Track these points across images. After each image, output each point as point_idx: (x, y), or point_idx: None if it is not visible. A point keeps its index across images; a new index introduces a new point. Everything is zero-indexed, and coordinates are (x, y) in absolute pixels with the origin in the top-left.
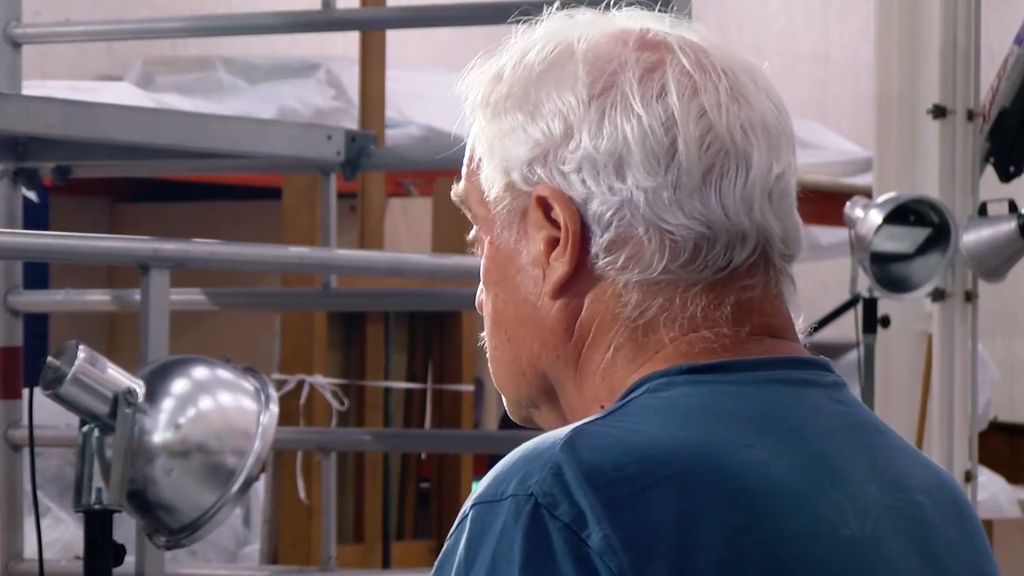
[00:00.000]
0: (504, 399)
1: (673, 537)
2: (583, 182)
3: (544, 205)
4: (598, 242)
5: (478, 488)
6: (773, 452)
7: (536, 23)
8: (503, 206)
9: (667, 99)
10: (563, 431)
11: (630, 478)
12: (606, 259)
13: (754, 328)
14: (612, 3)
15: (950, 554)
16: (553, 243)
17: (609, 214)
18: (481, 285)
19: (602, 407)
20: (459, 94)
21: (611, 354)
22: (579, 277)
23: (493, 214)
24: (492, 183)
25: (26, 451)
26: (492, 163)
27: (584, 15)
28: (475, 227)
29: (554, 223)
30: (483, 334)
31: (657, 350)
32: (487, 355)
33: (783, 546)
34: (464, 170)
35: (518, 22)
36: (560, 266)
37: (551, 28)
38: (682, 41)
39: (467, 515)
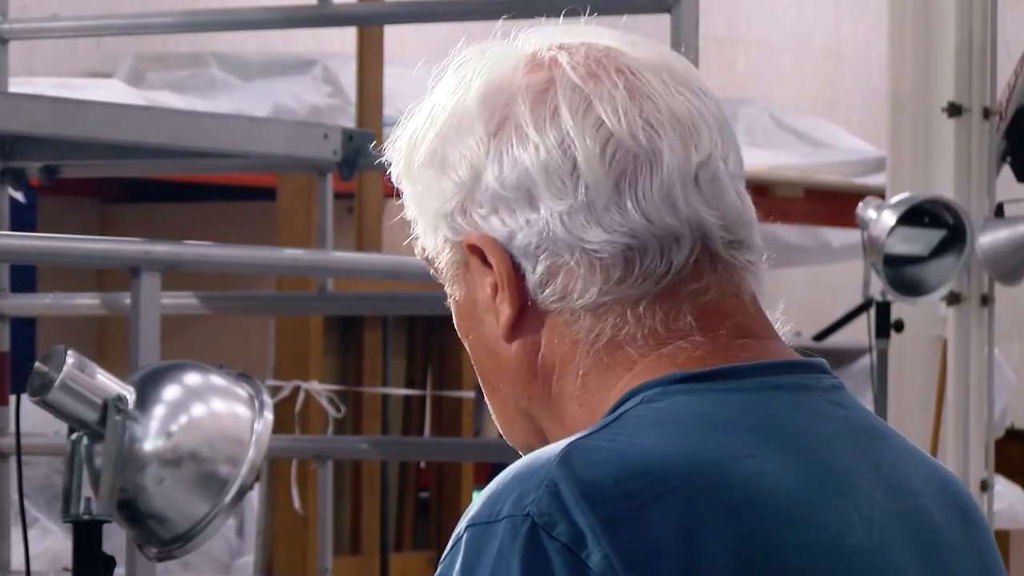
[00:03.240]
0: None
1: (676, 554)
2: (502, 221)
3: (477, 252)
4: (532, 277)
5: (472, 508)
6: (775, 461)
7: (447, 66)
8: (444, 262)
9: (559, 119)
10: (557, 447)
11: (629, 494)
12: (544, 293)
13: (730, 331)
14: (604, 8)
15: (956, 559)
16: (497, 287)
17: (533, 247)
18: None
19: None
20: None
21: (580, 380)
22: (526, 315)
23: (442, 271)
24: (428, 242)
25: (13, 459)
26: (423, 223)
27: (493, 47)
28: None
29: (492, 267)
30: None
31: (629, 366)
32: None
33: (790, 558)
34: (414, 229)
35: (514, 18)
36: (504, 308)
37: (456, 72)
38: (576, 53)
39: (461, 537)
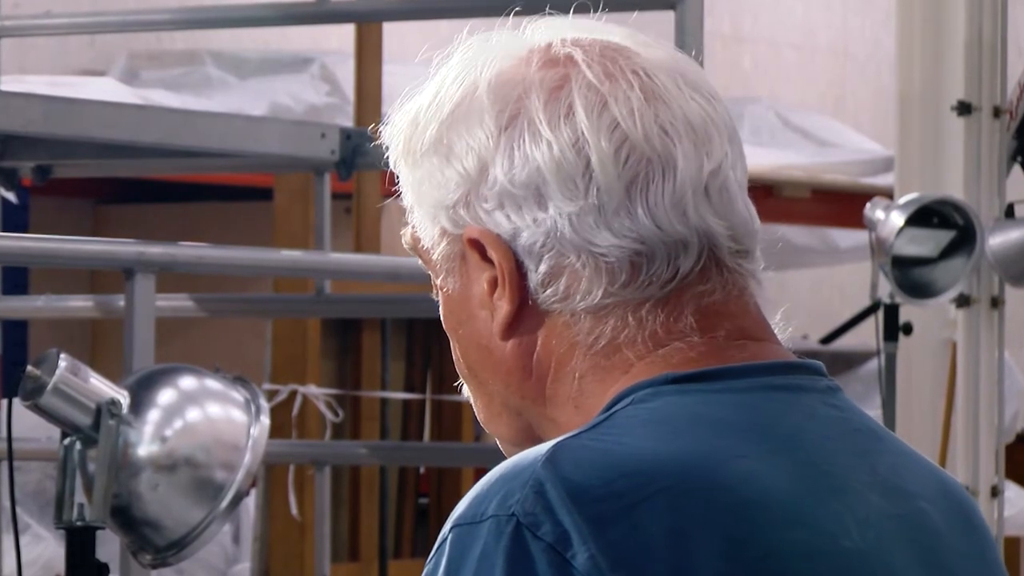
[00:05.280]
0: (498, 442)
1: (665, 555)
2: (508, 217)
3: (477, 247)
4: (534, 276)
5: (457, 509)
6: (768, 462)
7: (452, 53)
8: (440, 253)
9: (575, 118)
10: (544, 446)
11: (617, 494)
12: (545, 292)
13: (729, 333)
14: (608, 5)
15: (958, 564)
16: (495, 283)
17: (538, 246)
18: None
19: None
20: (383, 143)
21: (577, 383)
22: (525, 313)
23: (435, 261)
24: (425, 231)
25: (4, 465)
26: (421, 211)
27: (500, 35)
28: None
29: (492, 263)
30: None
31: (626, 368)
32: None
33: (782, 560)
34: (407, 216)
35: (517, 15)
36: (503, 305)
37: (463, 58)
38: (591, 50)
39: (446, 538)
